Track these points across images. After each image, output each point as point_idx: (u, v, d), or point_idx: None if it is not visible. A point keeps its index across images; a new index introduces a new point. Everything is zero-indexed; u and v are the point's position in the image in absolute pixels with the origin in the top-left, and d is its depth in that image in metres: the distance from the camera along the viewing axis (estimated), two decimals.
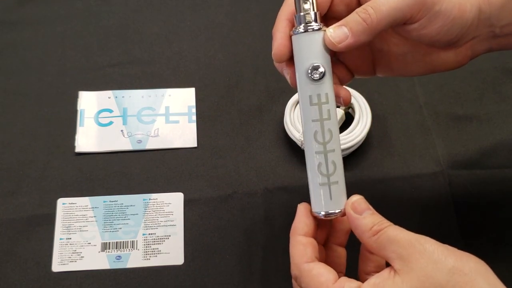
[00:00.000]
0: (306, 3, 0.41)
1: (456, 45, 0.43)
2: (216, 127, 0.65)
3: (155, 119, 0.65)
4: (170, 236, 0.58)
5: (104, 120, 0.65)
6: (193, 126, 0.65)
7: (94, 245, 0.58)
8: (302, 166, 0.62)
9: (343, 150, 0.61)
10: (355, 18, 0.40)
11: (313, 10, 0.41)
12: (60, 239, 0.58)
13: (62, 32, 0.71)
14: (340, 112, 0.63)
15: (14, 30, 0.71)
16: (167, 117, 0.65)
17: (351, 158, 0.62)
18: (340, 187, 0.42)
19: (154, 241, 0.58)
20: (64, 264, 0.57)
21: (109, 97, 0.66)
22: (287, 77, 0.44)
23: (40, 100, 0.66)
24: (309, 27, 0.41)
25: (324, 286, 0.39)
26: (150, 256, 0.57)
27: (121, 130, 0.64)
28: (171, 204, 0.60)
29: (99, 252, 0.57)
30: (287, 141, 0.63)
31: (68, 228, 0.58)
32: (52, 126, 0.64)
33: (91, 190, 0.61)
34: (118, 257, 0.57)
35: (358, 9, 0.41)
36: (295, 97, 0.64)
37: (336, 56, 0.47)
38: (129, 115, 0.65)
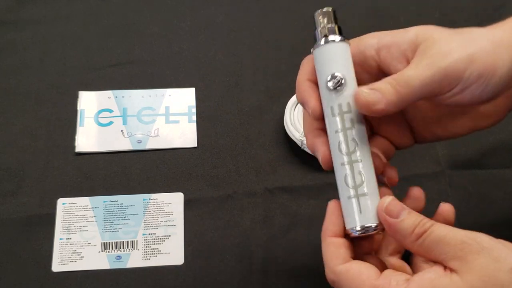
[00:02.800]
0: (324, 16, 0.41)
1: (493, 99, 0.41)
2: (216, 127, 0.65)
3: (155, 119, 0.65)
4: (170, 236, 0.58)
5: (104, 120, 0.65)
6: (193, 126, 0.65)
7: (94, 245, 0.58)
8: (302, 166, 0.63)
9: None
10: (387, 87, 0.38)
11: (332, 23, 0.41)
12: (60, 239, 0.58)
13: (62, 32, 0.71)
14: None
15: (14, 30, 0.71)
16: (167, 117, 0.65)
17: None
18: (371, 199, 0.39)
19: (154, 241, 0.58)
20: (64, 264, 0.57)
21: (109, 97, 0.66)
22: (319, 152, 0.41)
23: (40, 100, 0.66)
24: (330, 39, 0.40)
25: (366, 284, 0.36)
26: (150, 256, 0.57)
27: (121, 130, 0.64)
28: (171, 204, 0.60)
29: (99, 252, 0.57)
30: (287, 141, 0.63)
31: (68, 228, 0.58)
32: (52, 126, 0.64)
33: (91, 190, 0.61)
34: (118, 257, 0.57)
35: (387, 79, 0.38)
36: (295, 97, 0.64)
37: (374, 130, 0.45)
38: (129, 115, 0.65)
